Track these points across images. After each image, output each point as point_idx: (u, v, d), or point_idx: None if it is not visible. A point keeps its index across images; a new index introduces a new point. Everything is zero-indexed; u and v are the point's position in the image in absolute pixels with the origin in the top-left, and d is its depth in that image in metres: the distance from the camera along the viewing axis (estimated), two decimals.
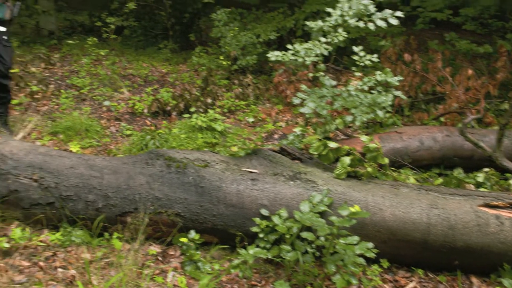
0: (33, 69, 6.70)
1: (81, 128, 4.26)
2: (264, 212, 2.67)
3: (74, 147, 3.94)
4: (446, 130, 3.93)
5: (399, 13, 3.07)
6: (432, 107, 4.92)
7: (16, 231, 2.74)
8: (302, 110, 3.17)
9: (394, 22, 3.03)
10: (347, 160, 2.78)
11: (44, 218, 2.84)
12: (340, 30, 3.33)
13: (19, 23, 9.82)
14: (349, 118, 3.22)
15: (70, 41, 7.23)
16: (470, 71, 4.54)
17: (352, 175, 2.84)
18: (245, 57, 5.96)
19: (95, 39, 6.46)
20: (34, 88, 5.61)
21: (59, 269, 2.54)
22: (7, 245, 2.62)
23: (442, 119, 4.56)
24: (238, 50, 6.01)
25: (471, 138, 3.38)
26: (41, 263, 2.57)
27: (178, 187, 2.76)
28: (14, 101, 5.20)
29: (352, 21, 3.06)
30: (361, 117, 3.10)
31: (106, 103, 5.11)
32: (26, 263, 2.57)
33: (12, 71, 6.22)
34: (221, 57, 6.06)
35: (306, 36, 6.36)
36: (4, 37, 3.91)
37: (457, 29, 7.79)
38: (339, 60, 6.21)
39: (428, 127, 4.05)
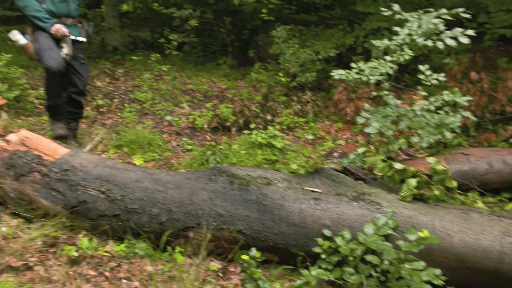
0: (98, 83, 6.99)
1: (144, 142, 4.38)
2: (327, 232, 2.63)
3: (137, 160, 4.05)
4: None
5: (470, 32, 2.97)
6: (500, 127, 4.71)
7: (83, 241, 2.83)
8: (366, 130, 3.11)
9: (465, 41, 2.93)
10: (413, 182, 2.70)
11: (110, 229, 2.92)
12: (406, 48, 3.26)
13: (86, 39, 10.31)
14: (415, 139, 3.13)
15: (134, 57, 7.49)
16: None
17: (418, 198, 2.75)
18: (304, 74, 5.96)
19: (158, 55, 6.67)
20: (100, 102, 5.84)
21: (124, 280, 2.60)
22: (75, 254, 2.71)
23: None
24: (297, 67, 6.02)
25: None
26: (107, 273, 2.64)
27: (241, 204, 2.77)
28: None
29: (420, 40, 2.99)
30: (428, 138, 3.01)
31: (168, 117, 5.24)
32: (92, 272, 2.64)
33: None
34: (280, 74, 6.08)
35: (366, 53, 6.29)
36: (80, 55, 4.09)
37: None
38: (400, 78, 6.08)
39: (498, 149, 3.87)
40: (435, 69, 6.16)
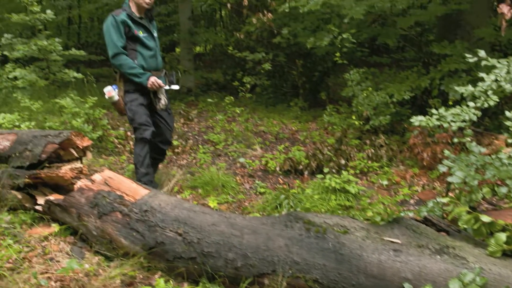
0: (174, 124, 7.24)
1: (218, 184, 4.45)
2: (408, 286, 2.50)
3: (211, 202, 4.11)
4: None
5: None
6: None
7: (160, 282, 2.88)
8: (449, 179, 2.99)
9: None
10: (502, 236, 2.54)
11: (185, 271, 2.95)
12: (490, 93, 3.14)
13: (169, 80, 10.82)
14: (503, 189, 2.96)
15: (209, 99, 7.72)
16: None
17: (508, 254, 2.58)
18: (378, 117, 5.87)
19: (231, 97, 6.84)
20: (175, 143, 6.04)
21: None
22: None
23: None
24: (370, 110, 5.94)
25: None
26: None
27: (317, 252, 2.71)
28: None
29: (508, 86, 2.87)
30: None
31: (241, 159, 5.32)
32: None
33: None
34: (353, 117, 6.03)
35: (442, 95, 6.11)
36: (169, 106, 4.20)
37: None
38: (480, 121, 5.83)
39: None
40: None
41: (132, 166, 5.08)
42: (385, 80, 6.92)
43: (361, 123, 6.01)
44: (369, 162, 5.14)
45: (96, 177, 3.56)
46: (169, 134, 4.24)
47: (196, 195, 4.41)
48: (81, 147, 3.98)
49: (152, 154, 4.16)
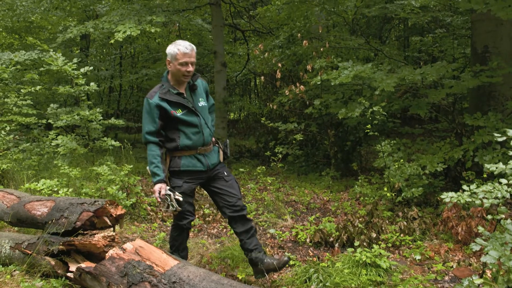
0: (205, 192, 7.33)
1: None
2: None
3: (240, 274, 4.08)
4: None
5: None
6: None
7: None
8: (483, 259, 2.90)
9: None
10: None
11: None
12: None
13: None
14: None
15: (241, 169, 7.83)
16: None
17: None
18: (410, 188, 5.80)
19: (263, 167, 6.93)
20: (206, 211, 6.10)
21: None
22: None
23: None
24: (402, 181, 5.89)
25: None
26: None
27: None
28: None
29: None
30: None
31: (271, 230, 5.31)
32: None
33: None
34: (385, 188, 5.98)
35: (477, 166, 6.03)
36: (225, 173, 3.90)
37: None
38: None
39: None
40: None
41: (163, 234, 5.15)
42: (417, 151, 6.90)
43: (393, 194, 5.94)
44: (402, 235, 5.04)
45: (127, 246, 3.62)
46: (235, 199, 3.82)
47: (225, 266, 4.39)
48: (114, 216, 4.08)
49: (237, 229, 3.88)
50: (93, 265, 3.63)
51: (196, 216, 5.97)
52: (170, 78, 3.69)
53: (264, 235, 5.30)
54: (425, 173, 5.97)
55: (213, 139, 3.89)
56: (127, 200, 5.66)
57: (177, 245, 3.93)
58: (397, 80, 6.48)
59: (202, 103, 3.76)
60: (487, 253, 2.90)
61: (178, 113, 3.60)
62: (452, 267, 4.37)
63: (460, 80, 7.18)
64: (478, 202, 3.24)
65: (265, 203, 6.39)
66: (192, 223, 5.65)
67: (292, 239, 5.15)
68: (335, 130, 8.26)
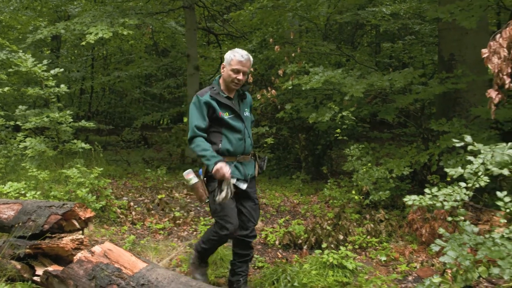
0: (176, 194, 7.34)
1: (217, 258, 4.47)
2: None
3: (209, 277, 4.12)
4: None
5: None
6: None
7: None
8: (441, 259, 3.02)
9: None
10: None
11: None
12: (482, 175, 3.24)
13: (168, 151, 11.06)
14: (495, 270, 2.98)
15: None
16: None
17: None
18: (378, 192, 5.94)
19: None
20: (177, 214, 6.11)
21: None
22: None
23: None
24: (370, 185, 6.03)
25: None
26: None
27: None
28: (158, 226, 5.70)
29: (496, 169, 2.98)
30: (510, 270, 2.85)
31: None
32: None
33: (159, 196, 6.92)
34: (353, 191, 6.11)
35: (442, 170, 6.21)
36: (255, 195, 3.82)
37: None
38: (478, 197, 5.89)
39: None
40: None
41: (133, 237, 5.14)
42: (386, 155, 7.06)
43: (361, 197, 6.07)
44: (368, 237, 5.16)
45: (96, 249, 3.61)
46: (252, 226, 3.78)
47: None
48: (83, 219, 4.07)
49: (236, 250, 3.85)
50: (60, 268, 3.61)
51: (166, 219, 5.98)
52: (221, 82, 3.65)
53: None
54: (392, 177, 6.12)
55: (252, 151, 3.82)
56: (96, 203, 5.63)
57: (213, 248, 3.81)
58: (366, 86, 6.63)
59: (247, 113, 3.72)
60: (445, 254, 3.01)
61: (226, 115, 3.53)
62: (415, 267, 4.51)
63: (428, 86, 7.39)
64: (439, 204, 3.37)
65: None
66: (161, 225, 5.67)
67: (262, 241, 5.21)
68: (306, 134, 8.37)
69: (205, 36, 17.27)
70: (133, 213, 6.12)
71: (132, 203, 6.49)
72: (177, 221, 5.87)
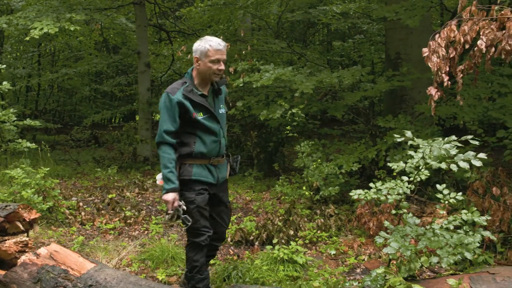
0: (128, 194, 7.24)
1: (168, 256, 4.45)
2: None
3: (160, 275, 4.10)
4: None
5: (482, 155, 3.09)
6: None
7: None
8: (385, 250, 3.14)
9: (478, 163, 3.04)
10: None
11: None
12: (422, 169, 3.38)
13: (120, 150, 10.87)
14: (434, 259, 3.13)
15: None
16: None
17: None
18: (328, 187, 6.07)
19: None
20: (128, 213, 6.02)
21: None
22: None
23: None
24: (320, 180, 6.15)
25: None
26: None
27: None
28: (108, 225, 5.61)
29: (434, 163, 3.12)
30: (447, 259, 3.00)
31: None
32: None
33: (109, 196, 6.80)
34: (304, 187, 6.21)
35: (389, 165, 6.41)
36: (227, 199, 3.66)
37: None
38: (423, 191, 6.13)
39: None
40: (457, 182, 6.22)
41: (81, 238, 5.03)
42: (335, 151, 7.22)
43: (312, 193, 6.19)
44: (319, 232, 5.27)
45: (42, 251, 3.53)
46: (223, 230, 3.61)
47: (145, 267, 4.38)
48: (28, 220, 3.95)
49: (208, 253, 3.61)
50: (3, 272, 3.49)
51: (117, 218, 5.88)
52: (194, 76, 3.32)
53: (185, 236, 5.32)
54: (341, 172, 6.27)
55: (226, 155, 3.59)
56: (43, 204, 5.46)
57: (199, 268, 3.40)
58: (315, 83, 6.75)
59: (222, 110, 3.44)
60: (389, 245, 3.13)
61: (200, 116, 3.24)
62: (363, 260, 4.65)
63: (377, 84, 7.61)
64: (383, 198, 3.49)
65: None
66: (112, 225, 5.58)
67: None
68: (258, 131, 8.44)
69: (156, 33, 17.04)
70: (83, 213, 5.98)
71: (81, 203, 6.34)
72: (128, 221, 5.79)
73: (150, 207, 6.57)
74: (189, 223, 3.21)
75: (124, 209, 6.23)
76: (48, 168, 6.04)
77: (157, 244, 4.66)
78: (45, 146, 7.81)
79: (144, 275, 4.18)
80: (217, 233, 3.53)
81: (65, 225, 5.57)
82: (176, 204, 3.16)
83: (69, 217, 5.76)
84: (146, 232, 5.51)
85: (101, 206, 6.30)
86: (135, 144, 10.51)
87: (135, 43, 12.78)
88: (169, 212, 3.19)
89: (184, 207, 3.21)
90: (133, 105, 14.50)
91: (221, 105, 3.45)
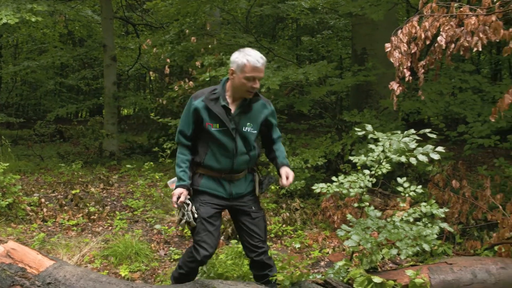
0: (92, 189, 7.11)
1: (131, 252, 4.40)
2: None
3: (123, 271, 4.05)
4: (501, 262, 3.74)
5: (440, 148, 3.15)
6: (485, 234, 4.76)
7: None
8: (346, 243, 3.18)
9: (436, 157, 3.11)
10: None
11: None
12: (383, 162, 3.43)
13: (85, 145, 10.68)
14: (394, 251, 3.18)
15: (128, 165, 7.69)
16: None
17: None
18: (294, 181, 6.10)
19: (151, 163, 6.87)
20: (92, 209, 5.92)
21: None
22: None
23: (496, 248, 4.38)
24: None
25: None
26: None
27: None
28: (71, 222, 5.50)
29: (394, 157, 3.17)
30: (406, 250, 3.06)
31: (157, 226, 5.29)
32: None
33: (73, 192, 6.66)
34: None
35: None
36: (254, 208, 3.35)
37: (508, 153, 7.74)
38: (387, 184, 6.23)
39: (481, 258, 3.88)
40: (420, 176, 6.36)
41: (43, 234, 4.94)
42: (302, 145, 7.26)
43: (277, 187, 6.21)
44: (284, 225, 5.30)
45: None
46: (256, 241, 3.29)
47: (108, 264, 4.31)
48: None
49: (253, 271, 3.46)
50: None
51: (80, 214, 5.78)
52: (227, 86, 3.12)
53: (151, 231, 5.28)
54: (307, 167, 6.31)
55: (255, 167, 3.41)
56: (2, 200, 5.32)
57: (184, 274, 3.26)
58: (282, 78, 6.76)
59: (248, 128, 3.15)
60: (350, 238, 3.17)
61: (214, 128, 3.06)
62: (328, 253, 4.70)
63: (343, 79, 7.69)
64: (345, 191, 3.54)
65: (154, 199, 6.35)
66: (75, 221, 5.48)
67: (179, 233, 5.18)
68: None
69: (123, 26, 16.77)
70: (45, 210, 5.85)
71: (43, 200, 6.19)
72: (92, 217, 5.70)
73: (115, 203, 6.48)
74: (191, 227, 3.12)
75: (88, 205, 6.12)
76: (7, 164, 5.87)
77: (120, 240, 4.60)
78: (5, 141, 7.59)
79: (107, 271, 4.12)
80: (254, 246, 3.29)
81: (25, 222, 5.44)
82: (182, 199, 3.06)
83: (30, 213, 5.63)
84: (110, 228, 5.43)
85: (64, 202, 6.17)
86: (101, 139, 10.34)
87: (101, 36, 12.55)
88: (174, 206, 3.12)
89: (194, 211, 3.10)
90: (99, 99, 14.26)
91: (248, 123, 3.14)
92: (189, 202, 3.11)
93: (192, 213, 3.09)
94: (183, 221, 3.10)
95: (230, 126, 3.07)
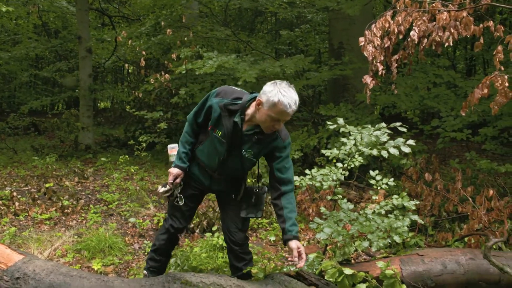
0: (67, 183, 7.01)
1: (105, 245, 4.36)
2: None
3: (96, 265, 4.01)
4: (470, 253, 3.83)
5: (411, 141, 3.20)
6: (456, 226, 4.85)
7: None
8: (317, 236, 3.21)
9: (407, 150, 3.15)
10: (362, 287, 2.75)
11: None
12: (356, 155, 3.46)
13: (60, 138, 10.51)
14: (365, 243, 3.22)
15: (103, 159, 7.60)
16: (491, 191, 4.53)
17: None
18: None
19: (126, 156, 6.80)
20: (65, 203, 5.84)
21: None
22: None
23: (466, 240, 4.47)
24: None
25: (496, 263, 3.29)
26: None
27: None
28: (44, 216, 5.42)
29: (366, 150, 3.20)
30: (377, 242, 3.10)
31: (132, 219, 5.25)
32: None
33: (46, 185, 6.56)
34: None
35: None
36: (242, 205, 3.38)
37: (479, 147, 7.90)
38: (362, 177, 6.30)
39: (451, 249, 3.96)
40: (394, 169, 6.44)
41: (14, 229, 4.85)
42: None
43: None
44: (260, 219, 5.31)
45: None
46: (232, 227, 3.30)
47: (80, 258, 4.27)
48: None
49: (232, 262, 3.40)
50: None
51: (54, 208, 5.69)
52: (250, 110, 2.94)
53: (125, 225, 5.24)
54: None
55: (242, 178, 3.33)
56: None
57: (156, 248, 3.42)
58: (258, 72, 6.77)
59: (247, 153, 3.04)
60: (321, 231, 3.20)
61: (216, 133, 3.02)
62: (303, 245, 4.71)
63: (320, 72, 7.72)
64: (318, 184, 3.56)
65: (129, 192, 6.30)
66: (48, 215, 5.40)
67: (154, 227, 5.15)
68: None
69: (99, 18, 16.52)
70: (16, 203, 5.73)
71: (15, 193, 6.07)
72: (66, 210, 5.62)
73: (89, 196, 6.40)
74: (180, 204, 3.25)
75: (61, 198, 6.03)
76: None
77: (94, 234, 4.55)
78: None
79: (79, 265, 4.07)
80: (226, 231, 3.33)
81: None
82: (178, 180, 3.19)
83: (1, 207, 5.52)
84: (84, 221, 5.37)
85: (37, 196, 6.06)
86: (76, 132, 10.18)
87: (76, 27, 12.34)
88: (168, 184, 3.21)
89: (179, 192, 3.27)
90: (75, 91, 14.02)
91: (250, 150, 3.03)
92: (182, 183, 3.26)
93: (179, 196, 3.25)
94: (167, 194, 3.24)
95: (230, 142, 2.99)
